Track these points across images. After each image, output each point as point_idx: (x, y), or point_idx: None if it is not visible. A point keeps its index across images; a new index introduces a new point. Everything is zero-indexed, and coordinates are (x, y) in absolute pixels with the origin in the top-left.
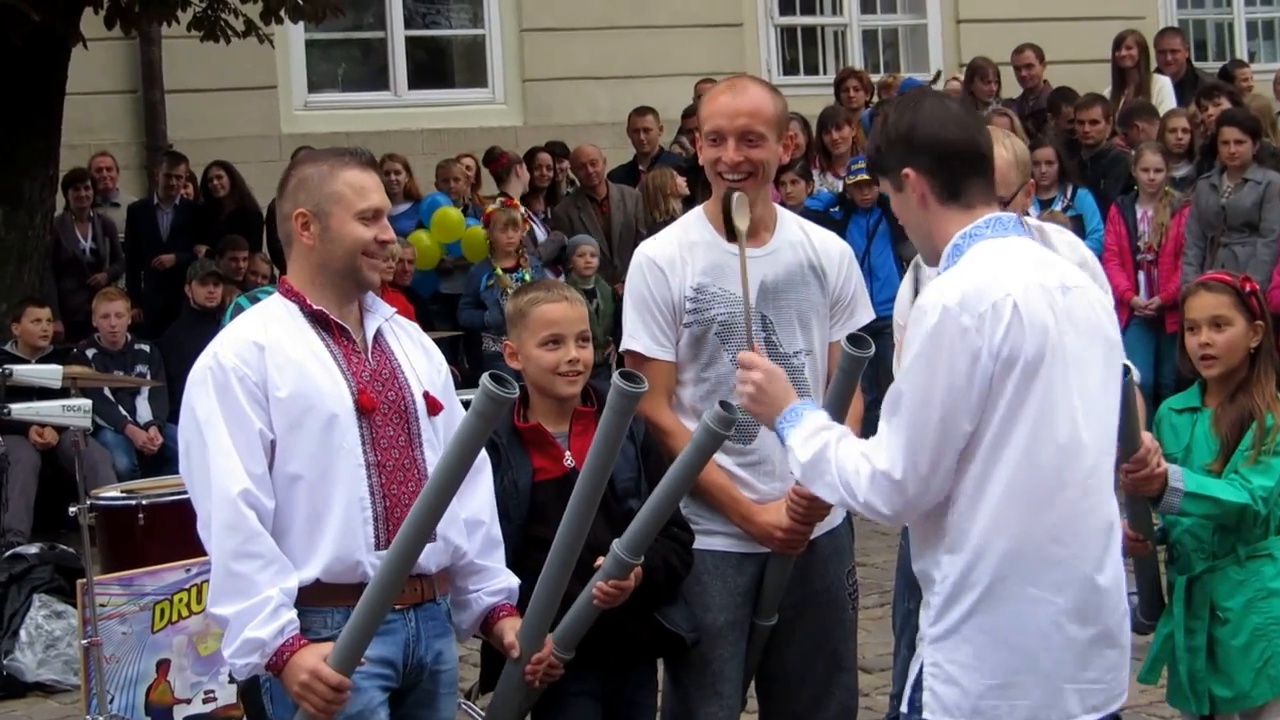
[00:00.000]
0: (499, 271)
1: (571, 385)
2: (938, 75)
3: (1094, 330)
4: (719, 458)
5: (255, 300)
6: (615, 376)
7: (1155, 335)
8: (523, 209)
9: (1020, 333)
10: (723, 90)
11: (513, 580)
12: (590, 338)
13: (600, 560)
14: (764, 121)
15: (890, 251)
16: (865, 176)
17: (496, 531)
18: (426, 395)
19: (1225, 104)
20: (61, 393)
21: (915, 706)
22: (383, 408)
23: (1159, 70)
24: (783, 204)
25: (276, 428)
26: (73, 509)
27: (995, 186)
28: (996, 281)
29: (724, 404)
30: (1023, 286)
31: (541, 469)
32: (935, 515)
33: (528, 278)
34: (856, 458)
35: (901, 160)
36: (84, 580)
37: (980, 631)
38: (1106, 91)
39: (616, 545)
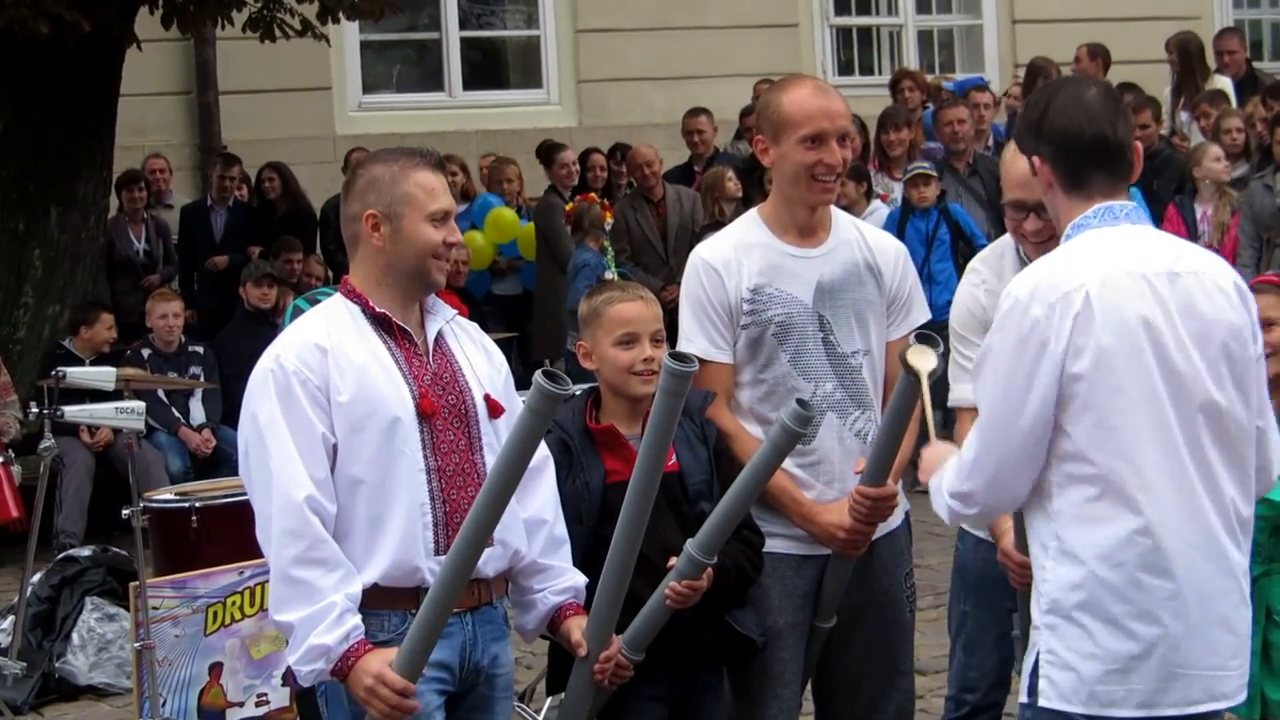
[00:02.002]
0: (613, 265)
1: (646, 384)
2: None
3: (1205, 319)
4: None
5: (314, 302)
6: (665, 358)
7: None
8: (602, 201)
9: (1090, 323)
10: (810, 92)
11: (579, 579)
12: (663, 338)
13: (673, 561)
14: (850, 121)
15: (950, 257)
16: (924, 173)
17: (561, 530)
18: (487, 398)
19: None
20: (115, 395)
21: (1032, 692)
22: (444, 411)
23: (1218, 71)
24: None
25: (338, 431)
26: (125, 511)
27: (1125, 175)
28: (1072, 272)
29: (801, 402)
30: (1102, 276)
31: (613, 471)
32: (1041, 501)
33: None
34: (951, 459)
35: (1033, 146)
36: (136, 583)
37: (1094, 619)
38: (1164, 92)
39: (690, 545)
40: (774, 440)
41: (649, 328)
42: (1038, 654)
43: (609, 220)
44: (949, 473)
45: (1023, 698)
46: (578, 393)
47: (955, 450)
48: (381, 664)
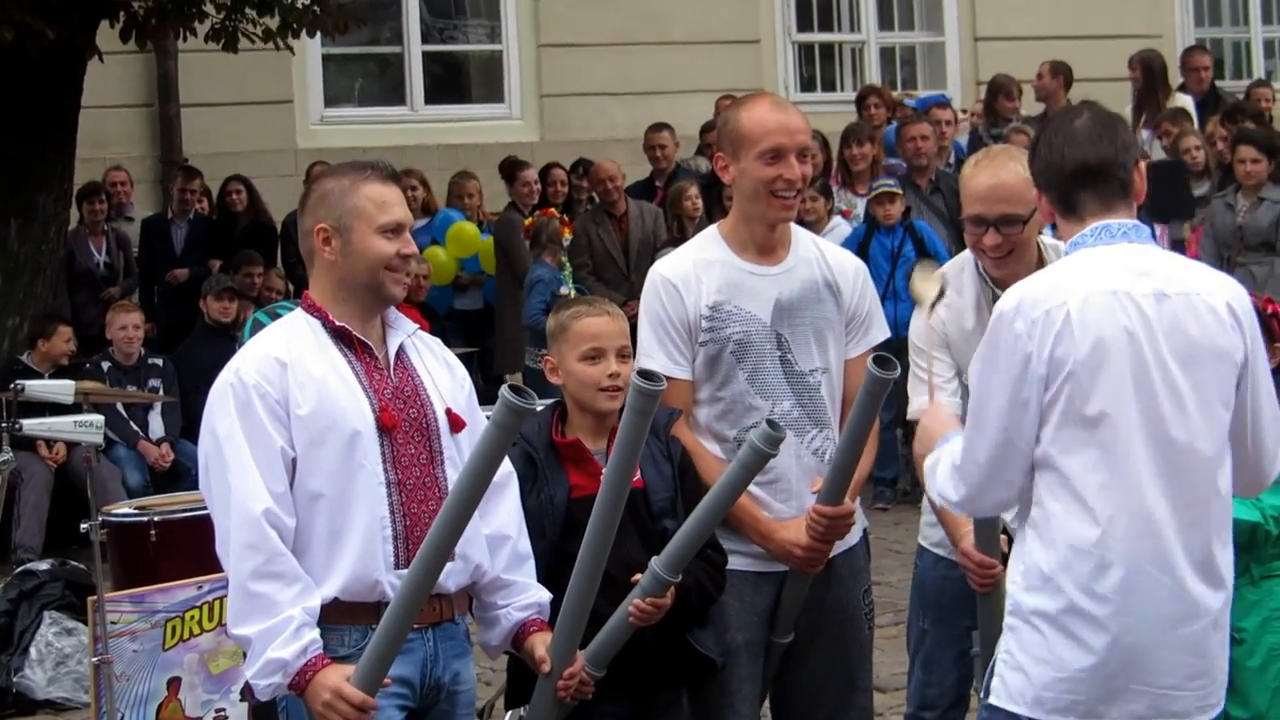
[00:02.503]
0: (570, 281)
1: (612, 400)
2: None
3: (1190, 341)
4: None
5: (274, 316)
6: (634, 376)
7: None
8: (562, 216)
9: (1069, 340)
10: (769, 108)
11: (543, 595)
12: (630, 354)
13: (637, 577)
14: (809, 136)
15: None
16: (888, 190)
17: (525, 546)
18: (449, 412)
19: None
20: (74, 408)
21: (989, 690)
22: (404, 425)
23: (1182, 88)
24: (801, 222)
25: (298, 445)
26: (84, 525)
27: (1118, 193)
28: (1058, 288)
29: (771, 423)
30: (1085, 294)
31: (578, 485)
32: (1023, 507)
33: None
34: (947, 451)
35: (1034, 181)
36: (95, 597)
37: (1050, 625)
38: (1125, 110)
39: (655, 563)
40: (743, 460)
41: (615, 343)
42: (999, 653)
43: (567, 236)
44: (941, 472)
45: (981, 695)
46: (540, 408)
47: (954, 423)
48: (339, 678)
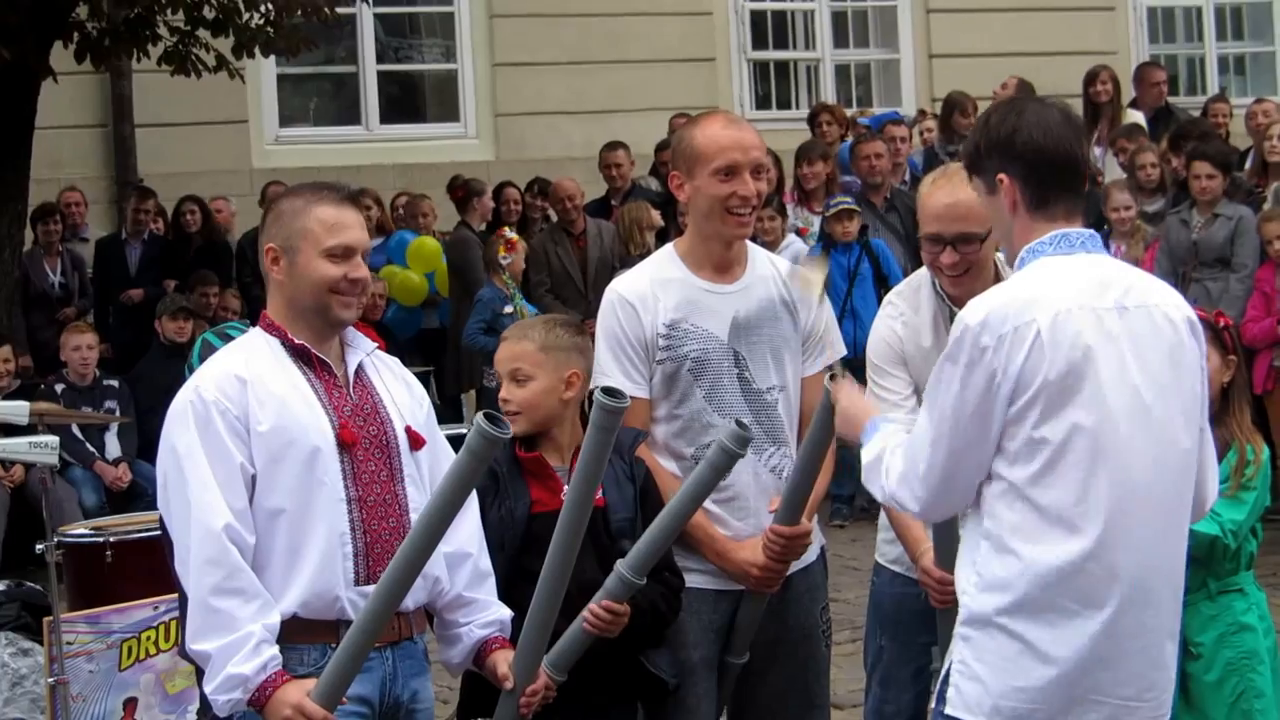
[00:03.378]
0: (518, 300)
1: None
2: (921, 114)
3: (1161, 352)
4: None
5: (224, 335)
6: (597, 393)
7: None
8: (514, 237)
9: (1040, 358)
10: (721, 125)
11: (504, 612)
12: (526, 376)
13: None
14: (764, 154)
15: (874, 293)
16: (846, 208)
17: (486, 564)
18: (409, 429)
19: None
20: (29, 429)
21: (941, 699)
22: (364, 442)
23: (1133, 104)
24: (753, 238)
25: (257, 462)
26: (39, 546)
27: (1083, 200)
28: (1027, 304)
29: (739, 423)
30: (1054, 310)
31: (539, 501)
32: (978, 516)
33: (536, 311)
34: (899, 454)
35: (999, 164)
36: (51, 618)
37: (1010, 636)
38: None
39: (621, 564)
40: (711, 461)
41: (504, 367)
42: (950, 662)
43: (505, 256)
44: (894, 477)
45: (933, 703)
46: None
47: (872, 406)
48: (300, 694)
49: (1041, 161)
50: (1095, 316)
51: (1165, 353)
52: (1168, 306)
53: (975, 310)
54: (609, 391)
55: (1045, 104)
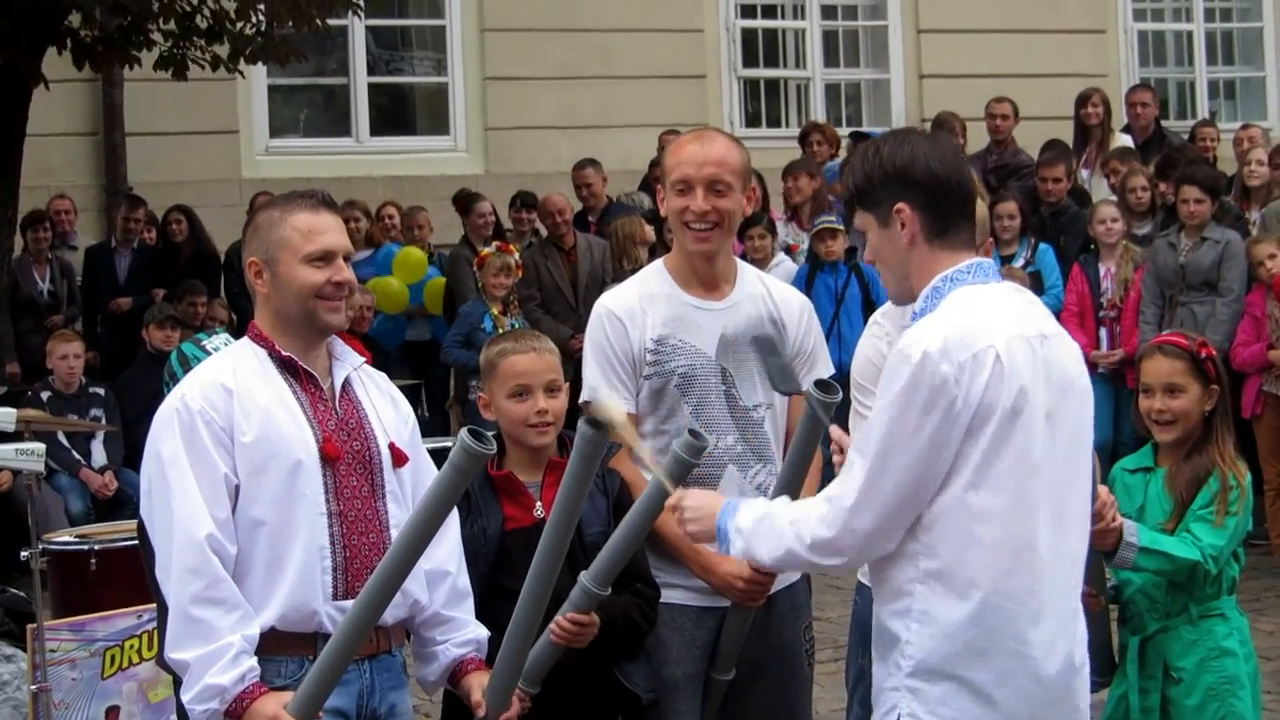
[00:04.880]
0: (495, 313)
1: (542, 436)
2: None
3: (1070, 382)
4: None
5: (199, 345)
6: (581, 421)
7: (1115, 391)
8: (516, 255)
9: (999, 384)
10: (689, 140)
11: (481, 631)
12: (559, 387)
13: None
14: (730, 171)
15: (860, 316)
16: (830, 226)
17: (464, 582)
18: (392, 446)
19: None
20: (15, 436)
21: None
22: (347, 457)
23: (1125, 129)
24: (743, 257)
25: (241, 472)
26: (24, 553)
27: (974, 231)
28: (980, 330)
29: (693, 432)
30: (1006, 337)
31: (512, 518)
32: (905, 562)
33: (518, 324)
34: (803, 505)
35: (895, 194)
36: (34, 625)
37: (959, 684)
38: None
39: (584, 576)
40: (668, 470)
41: (542, 379)
42: (899, 715)
43: (519, 275)
44: (814, 523)
45: None
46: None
47: (719, 498)
48: (277, 706)
49: (943, 190)
50: (1029, 346)
51: (1073, 381)
52: (1068, 337)
53: (930, 338)
54: (593, 422)
55: (932, 134)
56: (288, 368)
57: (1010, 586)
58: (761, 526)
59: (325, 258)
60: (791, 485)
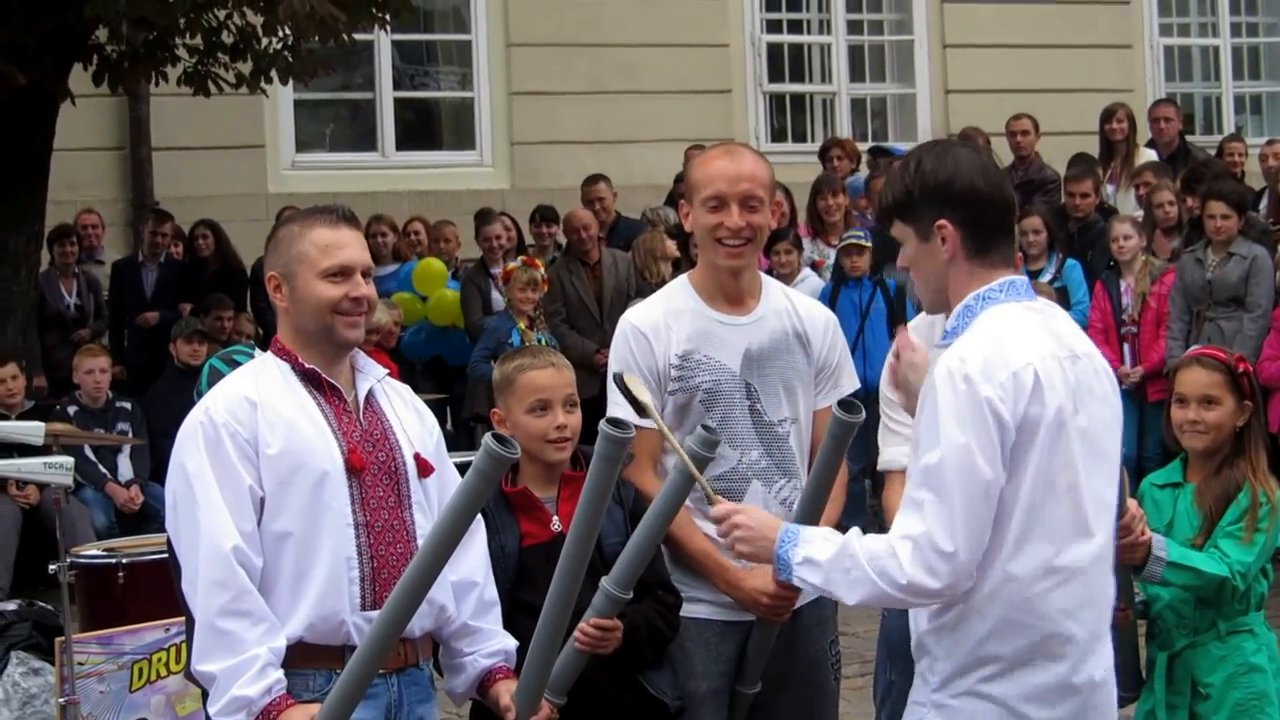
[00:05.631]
0: (522, 327)
1: (560, 451)
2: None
3: (1103, 400)
4: (703, 524)
5: (229, 361)
6: (602, 423)
7: (1138, 407)
8: (543, 270)
9: (1040, 402)
10: (719, 155)
11: (509, 642)
12: (576, 402)
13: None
14: (762, 186)
15: (886, 331)
16: (856, 242)
17: (491, 593)
18: (417, 457)
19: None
20: (43, 449)
21: None
22: (373, 468)
23: (1149, 143)
24: (770, 272)
25: (266, 485)
26: (52, 566)
27: (1015, 247)
28: (1018, 349)
29: (706, 427)
30: (1040, 355)
31: (529, 534)
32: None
33: (545, 339)
34: (886, 542)
35: (937, 210)
36: (62, 638)
37: (992, 702)
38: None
39: (605, 581)
40: (682, 469)
41: (560, 394)
42: None
43: (545, 289)
44: (905, 561)
45: None
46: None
47: (777, 520)
48: (304, 718)
49: (984, 206)
50: (1059, 364)
51: (1103, 400)
52: (1099, 358)
53: (970, 361)
54: (613, 422)
55: (971, 147)
56: (311, 380)
57: (1044, 604)
58: (841, 562)
59: (342, 273)
60: (816, 500)
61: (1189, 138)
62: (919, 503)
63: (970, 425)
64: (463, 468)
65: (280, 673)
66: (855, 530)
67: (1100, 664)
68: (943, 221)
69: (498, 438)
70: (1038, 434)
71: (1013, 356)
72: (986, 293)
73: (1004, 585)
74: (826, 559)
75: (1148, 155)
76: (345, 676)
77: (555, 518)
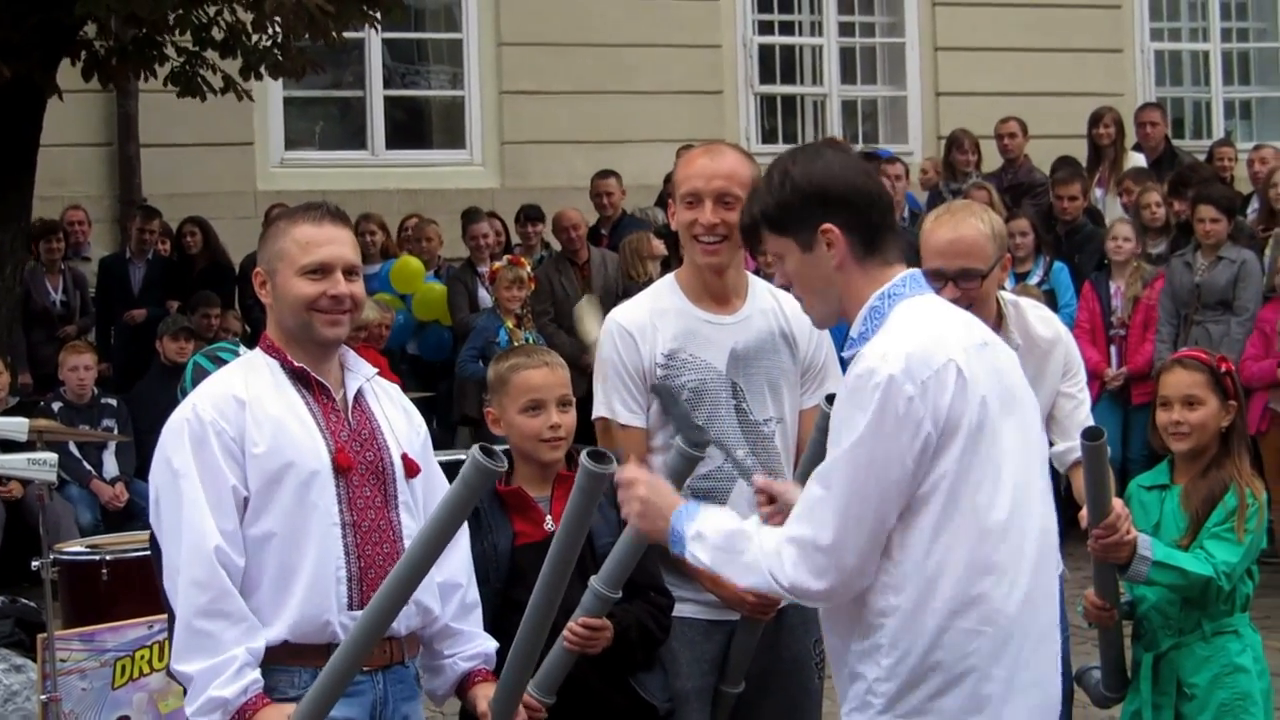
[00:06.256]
0: (510, 326)
1: (554, 451)
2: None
3: (1013, 390)
4: None
5: (214, 358)
6: (583, 457)
7: (1123, 409)
8: (529, 268)
9: (963, 399)
10: (699, 154)
11: (490, 644)
12: (570, 402)
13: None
14: (740, 185)
15: None
16: None
17: (474, 595)
18: (404, 457)
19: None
20: (27, 446)
21: None
22: (360, 468)
23: (1136, 147)
24: (757, 272)
25: (251, 484)
26: (35, 563)
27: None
28: (938, 345)
29: (696, 426)
30: (961, 349)
31: (522, 533)
32: (874, 595)
33: (533, 338)
34: (778, 535)
35: (818, 215)
36: (45, 635)
37: (940, 715)
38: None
39: (594, 580)
40: (672, 467)
41: (555, 393)
42: None
43: (532, 288)
44: (784, 564)
45: None
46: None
47: (675, 495)
48: (280, 717)
49: (864, 204)
50: (977, 355)
51: (1015, 388)
52: (1002, 346)
53: (891, 359)
54: (595, 455)
55: (840, 149)
56: (300, 378)
57: (983, 608)
58: (733, 544)
59: (321, 270)
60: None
61: (1179, 142)
62: (810, 498)
63: (890, 428)
64: (447, 466)
65: (257, 673)
66: (755, 518)
67: (1047, 668)
68: (827, 226)
69: (485, 449)
70: (960, 431)
71: (935, 353)
72: (891, 289)
73: (935, 594)
74: (720, 537)
75: (1135, 159)
76: (324, 675)
77: (548, 517)
